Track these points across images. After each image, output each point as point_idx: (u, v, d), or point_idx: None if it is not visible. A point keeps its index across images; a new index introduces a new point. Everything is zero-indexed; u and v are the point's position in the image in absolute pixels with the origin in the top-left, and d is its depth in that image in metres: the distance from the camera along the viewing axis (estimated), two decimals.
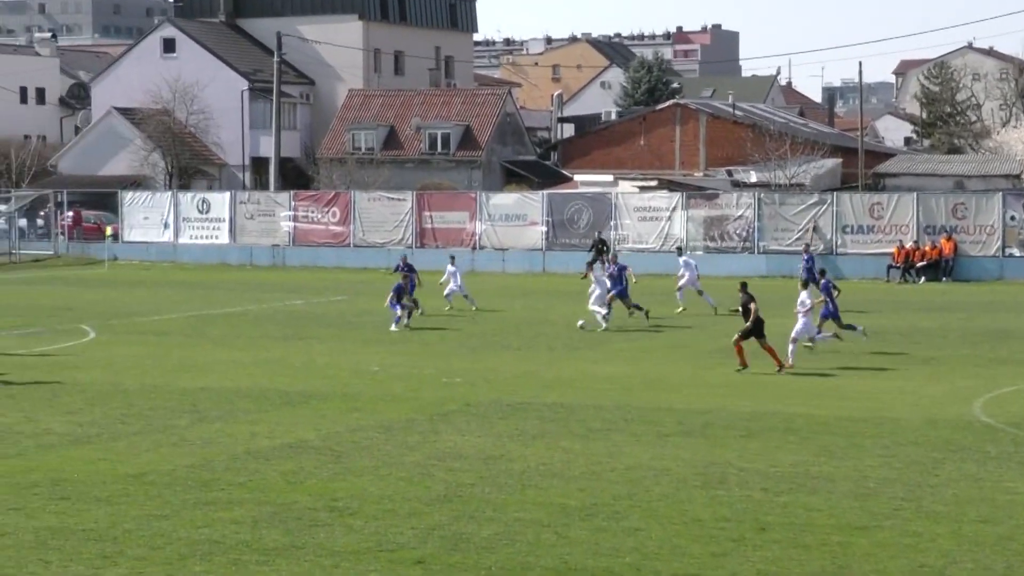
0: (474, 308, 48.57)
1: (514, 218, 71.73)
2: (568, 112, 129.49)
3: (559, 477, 22.59)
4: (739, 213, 68.19)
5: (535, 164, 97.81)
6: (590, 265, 48.48)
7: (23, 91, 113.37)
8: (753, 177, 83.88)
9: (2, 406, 29.57)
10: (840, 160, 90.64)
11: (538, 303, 51.15)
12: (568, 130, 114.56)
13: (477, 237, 71.76)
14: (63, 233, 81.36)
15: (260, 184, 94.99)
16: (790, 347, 35.56)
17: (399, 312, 43.77)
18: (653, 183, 79.35)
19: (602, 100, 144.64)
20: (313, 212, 75.33)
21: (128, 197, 79.88)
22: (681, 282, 49.74)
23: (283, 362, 36.84)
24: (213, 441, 25.65)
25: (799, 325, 35.93)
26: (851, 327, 39.24)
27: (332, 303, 49.82)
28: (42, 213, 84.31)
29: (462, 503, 20.77)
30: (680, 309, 48.64)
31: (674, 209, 68.99)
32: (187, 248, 77.22)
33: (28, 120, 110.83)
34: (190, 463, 23.64)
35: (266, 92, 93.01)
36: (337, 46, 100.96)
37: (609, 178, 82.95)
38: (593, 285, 44.35)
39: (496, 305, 51.68)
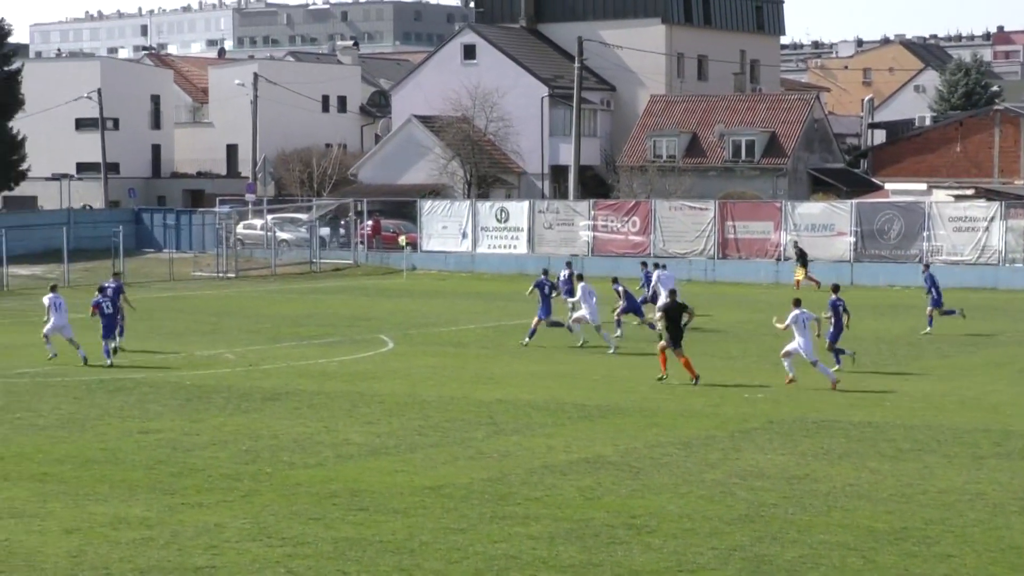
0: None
1: (821, 228, 70.45)
2: (879, 117, 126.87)
3: (867, 499, 22.05)
4: None
5: (843, 172, 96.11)
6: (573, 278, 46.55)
7: (325, 99, 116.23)
8: None
9: (303, 416, 30.10)
10: None
11: None
12: (879, 136, 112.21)
13: (782, 248, 70.62)
14: (363, 242, 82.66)
15: (559, 193, 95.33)
16: (820, 367, 34.06)
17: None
18: (969, 192, 77.42)
19: (916, 105, 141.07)
20: (613, 221, 75.18)
21: (427, 206, 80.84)
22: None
23: (581, 375, 36.73)
24: (510, 454, 25.65)
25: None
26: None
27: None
28: (343, 222, 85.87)
29: (764, 524, 20.44)
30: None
31: (992, 219, 66.94)
32: (485, 258, 77.70)
33: (329, 128, 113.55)
34: (487, 476, 23.68)
35: (566, 99, 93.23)
36: (639, 51, 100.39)
37: (922, 186, 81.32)
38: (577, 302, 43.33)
39: None
